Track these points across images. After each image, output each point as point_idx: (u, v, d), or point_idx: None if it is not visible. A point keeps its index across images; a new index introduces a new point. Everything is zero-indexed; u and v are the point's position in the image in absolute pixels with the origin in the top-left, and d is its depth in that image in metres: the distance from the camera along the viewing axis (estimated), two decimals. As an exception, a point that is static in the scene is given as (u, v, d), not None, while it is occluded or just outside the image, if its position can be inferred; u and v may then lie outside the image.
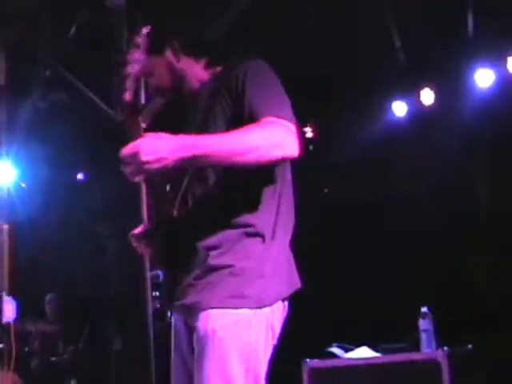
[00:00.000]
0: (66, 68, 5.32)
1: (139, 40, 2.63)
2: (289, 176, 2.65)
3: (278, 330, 2.53)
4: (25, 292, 5.56)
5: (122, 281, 7.59)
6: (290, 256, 2.63)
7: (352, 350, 5.12)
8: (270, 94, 2.50)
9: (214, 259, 2.49)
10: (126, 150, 2.31)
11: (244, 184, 2.52)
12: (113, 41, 3.11)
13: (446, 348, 4.73)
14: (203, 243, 2.51)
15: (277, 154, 2.40)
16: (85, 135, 7.05)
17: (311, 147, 7.81)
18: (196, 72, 2.77)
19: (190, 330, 2.53)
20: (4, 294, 4.19)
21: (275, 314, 2.50)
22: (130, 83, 2.60)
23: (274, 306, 2.49)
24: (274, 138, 2.39)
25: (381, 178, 7.64)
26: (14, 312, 4.17)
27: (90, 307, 7.62)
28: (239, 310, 2.42)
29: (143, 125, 2.85)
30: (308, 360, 5.06)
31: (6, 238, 4.86)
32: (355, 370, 4.96)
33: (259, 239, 2.51)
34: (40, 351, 7.12)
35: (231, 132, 2.41)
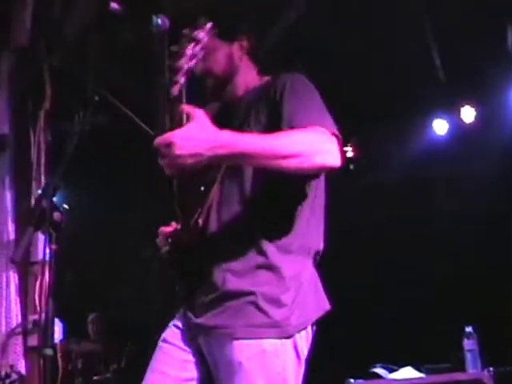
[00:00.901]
0: (111, 92, 5.38)
1: (200, 34, 2.54)
2: (321, 195, 2.57)
3: (305, 355, 2.46)
4: (68, 312, 5.61)
5: (163, 301, 7.62)
6: (317, 278, 2.55)
7: (396, 370, 5.07)
8: (312, 105, 2.45)
9: (235, 284, 2.42)
10: (160, 139, 2.17)
11: (271, 205, 2.45)
12: (156, 65, 3.13)
13: (491, 368, 4.66)
14: (225, 265, 2.44)
15: (319, 161, 2.30)
16: (127, 157, 7.14)
17: (352, 166, 7.79)
18: (248, 78, 2.75)
19: (196, 344, 2.48)
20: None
21: (303, 340, 2.44)
22: (180, 77, 2.48)
23: (302, 332, 2.43)
24: (317, 144, 2.31)
25: (422, 197, 7.59)
26: (61, 333, 4.21)
27: (131, 326, 7.66)
28: (264, 340, 2.36)
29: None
30: (352, 380, 5.01)
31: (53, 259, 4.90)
32: (399, 390, 4.92)
33: (283, 266, 2.43)
34: (83, 370, 7.17)
35: (274, 134, 2.33)
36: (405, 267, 7.18)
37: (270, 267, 2.42)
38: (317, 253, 2.57)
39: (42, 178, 4.51)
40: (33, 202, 4.43)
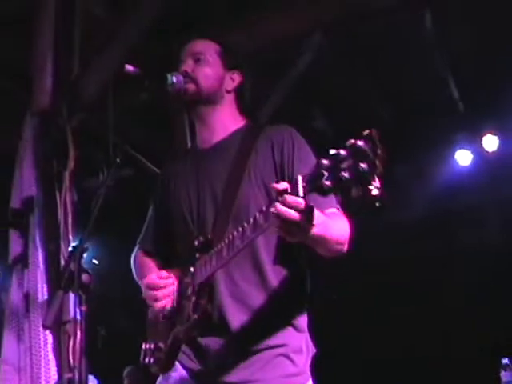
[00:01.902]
0: (131, 146, 5.47)
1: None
2: None
3: None
4: (104, 367, 5.64)
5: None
6: None
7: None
8: None
9: (261, 339, 2.55)
10: (291, 201, 2.13)
11: (285, 268, 2.63)
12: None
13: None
14: (252, 325, 2.57)
15: (344, 249, 2.51)
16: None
17: (378, 204, 7.77)
18: (228, 117, 2.83)
19: None
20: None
21: None
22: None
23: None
24: (348, 235, 2.50)
25: (447, 230, 7.55)
26: (96, 389, 4.25)
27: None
28: None
29: None
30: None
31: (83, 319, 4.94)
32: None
33: (298, 320, 2.64)
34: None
35: (335, 219, 2.46)
36: (434, 299, 7.12)
37: (291, 324, 2.61)
38: None
39: (70, 237, 4.59)
40: (62, 262, 4.50)
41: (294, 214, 2.11)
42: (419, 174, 7.60)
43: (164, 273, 2.68)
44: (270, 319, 2.58)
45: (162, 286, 2.64)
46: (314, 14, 5.51)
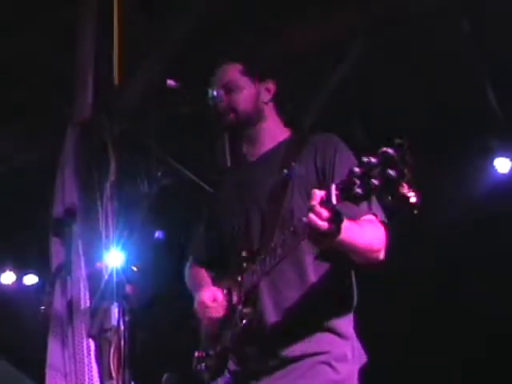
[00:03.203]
0: (171, 155, 5.54)
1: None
2: None
3: None
4: (142, 374, 5.68)
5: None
6: None
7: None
8: None
9: (302, 348, 2.58)
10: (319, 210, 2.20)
11: (335, 275, 2.66)
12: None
13: None
14: (292, 332, 2.61)
15: (382, 256, 2.57)
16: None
17: (416, 211, 7.73)
18: (275, 129, 2.87)
19: None
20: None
21: None
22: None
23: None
24: (383, 241, 2.55)
25: (487, 239, 7.46)
26: (135, 396, 4.29)
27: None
28: None
29: None
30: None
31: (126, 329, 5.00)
32: None
33: (343, 328, 2.65)
34: (163, 431, 7.21)
35: (366, 227, 2.49)
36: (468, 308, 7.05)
37: (333, 331, 2.63)
38: None
39: (112, 247, 4.65)
40: (104, 272, 4.57)
41: (320, 223, 2.17)
42: (458, 182, 7.54)
43: (218, 294, 2.75)
44: (311, 326, 2.60)
45: (213, 306, 2.74)
46: (352, 19, 5.51)
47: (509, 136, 7.15)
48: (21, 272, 8.19)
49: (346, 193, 2.11)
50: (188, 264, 3.15)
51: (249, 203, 2.79)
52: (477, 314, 6.97)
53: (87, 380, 4.39)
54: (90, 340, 4.46)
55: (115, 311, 4.50)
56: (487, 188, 7.40)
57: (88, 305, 4.52)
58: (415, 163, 2.09)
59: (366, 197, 2.08)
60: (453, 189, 7.56)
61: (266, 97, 2.87)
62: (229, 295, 2.71)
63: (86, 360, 4.41)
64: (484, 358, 6.86)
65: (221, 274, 2.90)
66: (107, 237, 4.65)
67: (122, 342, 4.48)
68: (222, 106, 2.83)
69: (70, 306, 4.49)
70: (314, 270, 2.65)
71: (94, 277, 4.56)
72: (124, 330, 4.55)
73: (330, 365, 2.55)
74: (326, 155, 2.70)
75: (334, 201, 2.14)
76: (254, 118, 2.84)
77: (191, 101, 2.94)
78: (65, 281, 4.56)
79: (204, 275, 3.03)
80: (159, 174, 2.85)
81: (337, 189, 2.15)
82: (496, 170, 7.34)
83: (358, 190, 2.06)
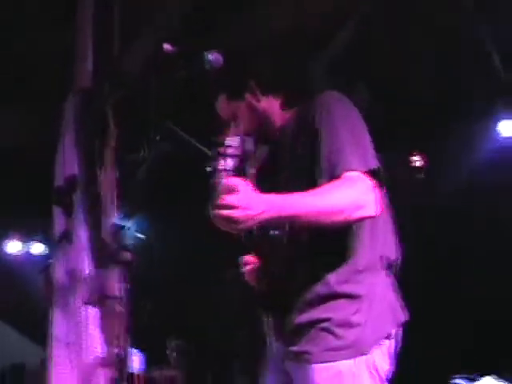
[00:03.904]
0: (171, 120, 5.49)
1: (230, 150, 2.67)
2: (381, 203, 2.58)
3: (387, 368, 2.55)
4: (150, 340, 5.74)
5: (244, 324, 7.69)
6: (392, 290, 2.63)
7: (476, 380, 5.03)
8: (345, 139, 2.52)
9: (307, 314, 2.55)
10: (225, 202, 2.30)
11: (333, 236, 2.55)
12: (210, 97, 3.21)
13: None
14: (301, 298, 2.58)
15: (359, 215, 2.45)
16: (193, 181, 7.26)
17: (422, 175, 7.73)
18: (278, 110, 2.82)
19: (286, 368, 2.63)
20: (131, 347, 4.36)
21: (379, 356, 2.51)
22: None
23: (377, 348, 2.51)
24: (356, 199, 2.44)
25: (491, 204, 7.44)
26: (142, 363, 4.34)
27: (213, 350, 7.75)
28: (340, 362, 2.47)
29: (253, 171, 2.94)
30: (433, 394, 5.00)
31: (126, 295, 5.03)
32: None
33: (349, 290, 2.54)
34: (166, 397, 7.29)
35: (317, 191, 2.44)
36: (478, 275, 7.05)
37: (338, 295, 2.53)
38: (389, 262, 2.64)
39: (113, 214, 4.66)
40: (105, 239, 4.58)
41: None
42: (463, 144, 7.50)
43: None
44: (317, 291, 2.55)
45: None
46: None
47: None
48: (27, 241, 8.27)
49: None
50: None
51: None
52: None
53: (87, 347, 4.42)
54: (91, 308, 4.48)
55: (117, 278, 4.54)
56: (491, 151, 7.37)
57: (89, 272, 4.54)
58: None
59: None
60: (456, 151, 7.54)
61: (255, 99, 2.82)
62: None
63: (86, 328, 4.44)
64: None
65: None
66: (108, 204, 4.65)
67: (123, 310, 4.54)
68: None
69: (72, 275, 4.50)
70: (305, 236, 2.61)
71: (95, 244, 4.57)
72: (124, 297, 4.60)
73: (331, 331, 2.50)
74: (310, 132, 2.61)
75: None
76: (264, 126, 2.82)
77: (187, 65, 2.90)
78: (66, 250, 4.57)
79: None
80: (157, 138, 2.81)
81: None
82: (499, 133, 7.31)
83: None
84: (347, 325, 2.50)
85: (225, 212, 2.30)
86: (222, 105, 2.87)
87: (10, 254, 8.24)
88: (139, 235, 6.99)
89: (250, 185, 2.38)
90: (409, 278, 2.70)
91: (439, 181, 7.71)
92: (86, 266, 4.53)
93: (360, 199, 2.43)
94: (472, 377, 5.08)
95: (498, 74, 7.13)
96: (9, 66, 5.69)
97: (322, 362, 2.47)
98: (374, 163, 2.52)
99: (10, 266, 8.36)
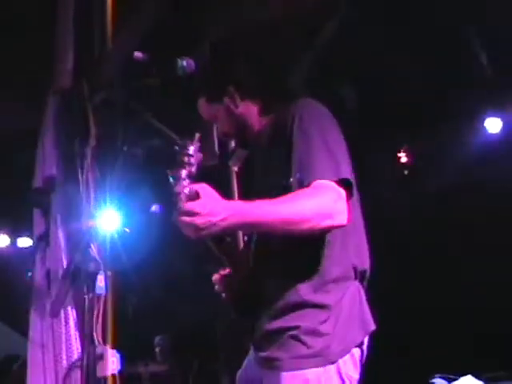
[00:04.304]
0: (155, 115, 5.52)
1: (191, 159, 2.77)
2: (354, 212, 2.60)
3: (356, 377, 2.58)
4: (133, 336, 5.76)
5: (227, 317, 7.71)
6: (361, 299, 2.65)
7: (455, 380, 5.04)
8: (318, 149, 2.53)
9: (277, 322, 2.58)
10: (187, 209, 2.32)
11: (304, 245, 2.56)
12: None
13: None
14: (271, 305, 2.61)
15: (327, 224, 2.45)
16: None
17: (406, 172, 7.75)
18: (255, 115, 2.85)
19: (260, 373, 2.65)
20: (108, 346, 4.38)
21: (347, 364, 2.54)
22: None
23: (346, 357, 2.54)
24: (324, 208, 2.44)
25: (478, 201, 7.44)
26: (119, 363, 4.36)
27: (197, 345, 7.78)
28: (307, 370, 2.49)
29: (235, 169, 2.96)
30: (412, 393, 5.03)
31: (109, 285, 5.04)
32: (459, 401, 4.87)
33: (318, 300, 2.56)
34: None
35: (284, 198, 2.44)
36: (462, 272, 7.08)
37: (307, 304, 2.56)
38: (362, 272, 2.67)
39: (93, 214, 4.67)
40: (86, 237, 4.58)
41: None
42: (449, 141, 7.51)
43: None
44: (286, 299, 2.58)
45: None
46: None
47: (499, 96, 7.11)
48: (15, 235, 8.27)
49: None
50: None
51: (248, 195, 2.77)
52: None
53: (64, 349, 4.44)
54: (69, 309, 4.50)
55: (98, 277, 4.54)
56: (478, 149, 7.37)
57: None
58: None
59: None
60: (444, 150, 7.55)
61: (233, 103, 2.85)
62: None
63: (63, 329, 4.46)
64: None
65: None
66: (88, 203, 4.66)
67: (101, 309, 4.57)
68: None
69: (49, 276, 4.52)
70: (277, 244, 2.63)
71: (73, 245, 4.59)
72: (107, 295, 4.62)
73: (299, 339, 2.53)
74: (289, 138, 2.63)
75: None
76: (241, 130, 2.86)
77: (159, 72, 2.92)
78: (44, 251, 4.58)
79: None
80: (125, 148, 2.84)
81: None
82: (486, 130, 7.32)
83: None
84: (315, 333, 2.52)
85: (187, 219, 2.31)
86: (203, 107, 2.91)
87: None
88: (125, 229, 6.99)
89: (213, 191, 2.39)
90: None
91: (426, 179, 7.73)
92: (63, 268, 4.54)
93: (329, 208, 2.44)
94: (451, 376, 5.10)
95: (484, 73, 7.14)
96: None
97: (290, 370, 2.50)
98: (346, 173, 2.53)
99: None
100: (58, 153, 4.79)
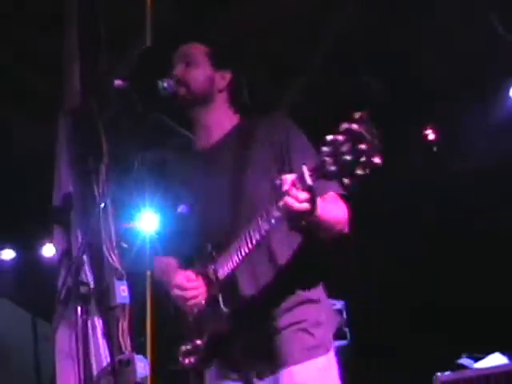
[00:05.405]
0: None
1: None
2: None
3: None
4: (171, 334, 5.91)
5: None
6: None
7: (482, 358, 5.09)
8: None
9: (284, 319, 2.73)
10: (296, 196, 2.30)
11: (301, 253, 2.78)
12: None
13: None
14: (275, 308, 2.75)
15: (344, 231, 2.69)
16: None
17: (435, 149, 7.69)
18: (222, 117, 2.94)
19: None
20: (134, 353, 4.57)
21: (334, 349, 2.80)
22: None
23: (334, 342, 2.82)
24: (347, 216, 2.69)
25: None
26: (147, 369, 4.54)
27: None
28: (317, 360, 2.71)
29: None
30: (439, 374, 5.08)
31: (148, 285, 5.19)
32: (486, 378, 4.91)
33: (315, 295, 2.81)
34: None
35: (329, 202, 2.61)
36: (491, 254, 6.98)
37: (307, 300, 2.78)
38: None
39: (111, 227, 4.85)
40: (105, 252, 4.78)
41: (297, 205, 2.29)
42: (475, 115, 7.42)
43: (191, 274, 2.78)
44: (285, 299, 2.74)
45: (191, 287, 2.75)
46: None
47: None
48: None
49: (319, 172, 2.23)
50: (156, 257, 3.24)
51: (211, 192, 2.86)
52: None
53: (94, 358, 4.63)
54: (96, 318, 4.69)
55: (121, 288, 4.74)
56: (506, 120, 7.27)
57: (92, 287, 4.73)
58: (379, 132, 2.15)
59: (340, 173, 2.16)
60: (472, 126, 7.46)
61: (220, 84, 2.94)
62: (203, 277, 2.77)
63: (92, 339, 4.64)
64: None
65: (186, 261, 2.98)
66: (106, 219, 4.84)
67: (127, 318, 4.76)
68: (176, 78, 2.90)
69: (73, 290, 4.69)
70: (280, 248, 2.78)
71: (94, 261, 4.77)
72: (130, 305, 4.81)
73: (307, 331, 2.73)
74: (279, 139, 2.79)
75: (310, 181, 2.26)
76: (203, 99, 2.91)
77: (140, 100, 3.03)
78: (68, 267, 4.76)
79: (170, 261, 3.08)
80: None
81: (309, 169, 2.25)
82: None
83: (332, 168, 2.16)
84: (318, 325, 2.75)
85: (298, 205, 2.31)
86: (195, 48, 2.97)
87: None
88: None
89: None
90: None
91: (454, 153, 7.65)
92: (91, 281, 4.73)
93: (347, 217, 2.68)
94: (477, 355, 5.15)
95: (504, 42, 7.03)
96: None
97: (299, 364, 2.68)
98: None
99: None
100: (73, 171, 4.97)
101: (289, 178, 2.31)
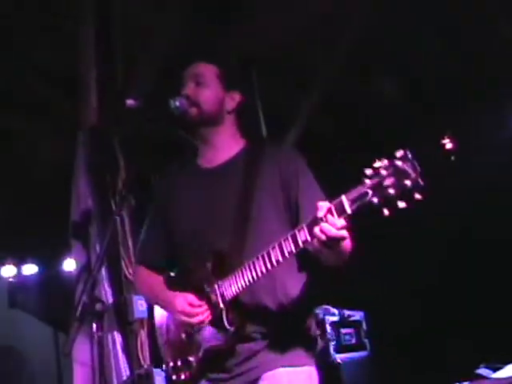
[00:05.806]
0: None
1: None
2: None
3: None
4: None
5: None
6: None
7: (501, 368, 5.05)
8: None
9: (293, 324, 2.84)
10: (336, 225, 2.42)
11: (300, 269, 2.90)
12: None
13: None
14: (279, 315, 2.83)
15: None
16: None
17: (453, 158, 7.65)
18: (230, 140, 2.99)
19: None
20: (152, 366, 4.62)
21: None
22: None
23: None
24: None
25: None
26: (164, 382, 4.59)
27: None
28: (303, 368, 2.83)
29: None
30: (457, 384, 5.05)
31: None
32: (504, 388, 4.88)
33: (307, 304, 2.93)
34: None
35: None
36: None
37: (304, 307, 2.91)
38: None
39: (129, 242, 4.91)
40: (123, 267, 4.84)
41: (334, 232, 2.40)
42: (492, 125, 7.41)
43: (194, 299, 2.83)
44: (288, 329, 2.83)
45: (196, 313, 2.81)
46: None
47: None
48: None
49: (359, 202, 2.34)
50: (134, 267, 3.27)
51: (214, 211, 2.89)
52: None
53: (114, 371, 4.69)
54: (115, 333, 4.74)
55: (139, 303, 4.79)
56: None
57: (110, 301, 4.79)
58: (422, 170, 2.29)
59: (382, 205, 2.28)
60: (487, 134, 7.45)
61: (229, 105, 2.98)
62: (206, 300, 2.82)
63: (112, 352, 4.70)
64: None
65: (177, 276, 3.04)
66: (124, 232, 4.89)
67: (145, 332, 4.81)
68: (187, 97, 2.93)
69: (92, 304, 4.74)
70: (284, 276, 2.84)
71: (113, 274, 4.82)
72: (145, 321, 4.86)
73: (310, 333, 2.95)
74: (288, 169, 2.87)
75: (349, 211, 2.36)
76: (212, 119, 2.95)
77: (153, 118, 3.06)
78: (87, 282, 4.80)
79: (160, 280, 3.09)
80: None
81: (348, 199, 2.37)
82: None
83: (374, 199, 2.29)
84: (314, 328, 2.96)
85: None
86: (206, 68, 2.99)
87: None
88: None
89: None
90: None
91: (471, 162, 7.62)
92: (107, 295, 4.79)
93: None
94: (495, 365, 5.12)
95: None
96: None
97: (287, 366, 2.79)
98: None
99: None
100: (92, 186, 5.03)
101: (324, 205, 2.41)
